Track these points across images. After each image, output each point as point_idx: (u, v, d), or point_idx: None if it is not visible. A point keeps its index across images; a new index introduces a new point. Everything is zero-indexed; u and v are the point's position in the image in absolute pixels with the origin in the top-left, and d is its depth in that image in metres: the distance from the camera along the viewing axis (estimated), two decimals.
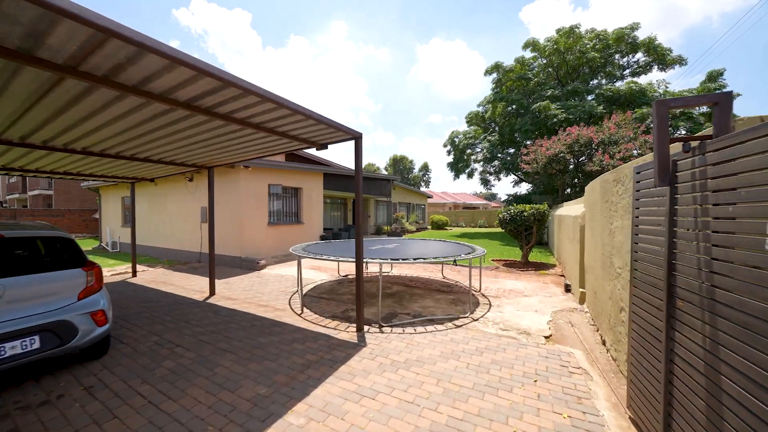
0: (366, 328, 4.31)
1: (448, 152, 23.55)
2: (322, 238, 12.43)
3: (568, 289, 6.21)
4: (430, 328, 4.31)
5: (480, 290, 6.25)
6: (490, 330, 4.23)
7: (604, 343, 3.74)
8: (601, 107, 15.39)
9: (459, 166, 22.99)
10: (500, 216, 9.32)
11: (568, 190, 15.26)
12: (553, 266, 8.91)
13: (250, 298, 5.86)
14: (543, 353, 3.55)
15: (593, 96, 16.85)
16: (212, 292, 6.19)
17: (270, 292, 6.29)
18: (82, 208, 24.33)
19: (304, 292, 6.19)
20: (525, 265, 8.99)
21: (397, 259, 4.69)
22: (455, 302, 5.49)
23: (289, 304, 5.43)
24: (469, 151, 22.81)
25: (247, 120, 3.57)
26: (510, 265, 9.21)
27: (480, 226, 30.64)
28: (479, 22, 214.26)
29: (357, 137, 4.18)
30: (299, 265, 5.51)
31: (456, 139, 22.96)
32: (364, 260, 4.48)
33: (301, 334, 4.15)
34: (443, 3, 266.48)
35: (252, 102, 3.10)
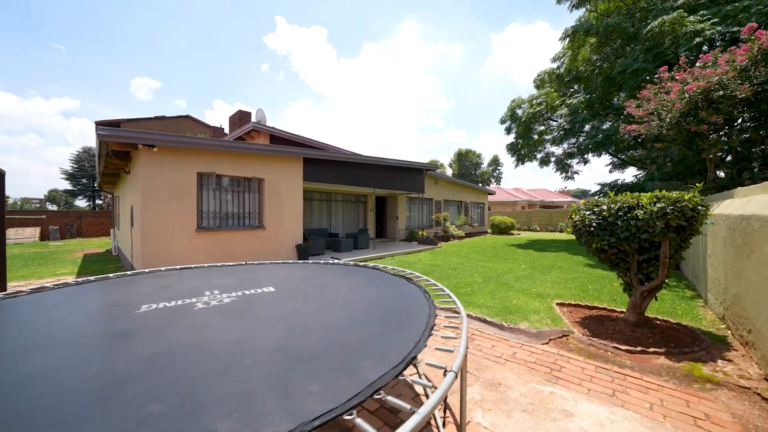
0: None
1: (507, 130, 16.60)
2: (300, 249, 8.89)
3: None
4: None
5: None
6: None
7: None
8: None
9: (523, 148, 16.19)
10: (575, 219, 4.36)
11: (720, 173, 8.58)
12: (718, 344, 3.62)
13: None
14: None
15: None
16: None
17: None
18: None
19: None
20: (636, 331, 3.89)
21: None
22: None
23: None
24: (541, 128, 16.33)
25: None
26: (599, 324, 4.16)
27: (560, 231, 23.48)
28: None
29: None
30: None
31: (518, 111, 15.91)
32: None
33: None
34: None
35: None
